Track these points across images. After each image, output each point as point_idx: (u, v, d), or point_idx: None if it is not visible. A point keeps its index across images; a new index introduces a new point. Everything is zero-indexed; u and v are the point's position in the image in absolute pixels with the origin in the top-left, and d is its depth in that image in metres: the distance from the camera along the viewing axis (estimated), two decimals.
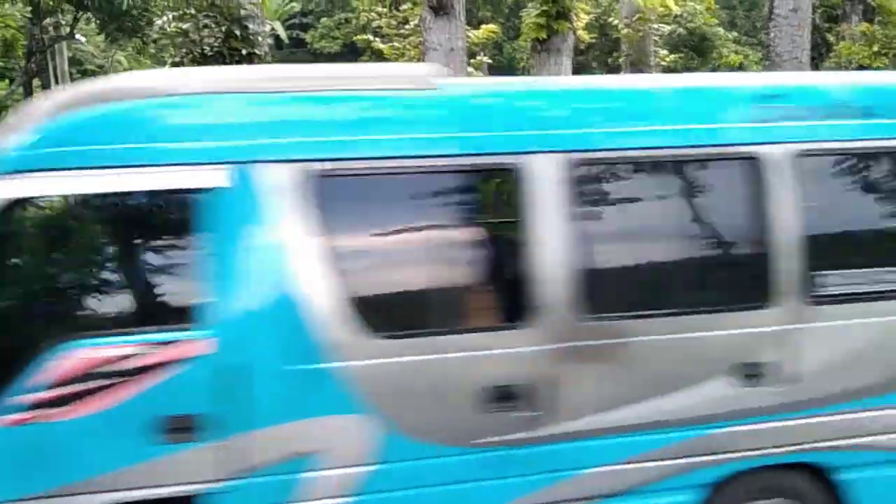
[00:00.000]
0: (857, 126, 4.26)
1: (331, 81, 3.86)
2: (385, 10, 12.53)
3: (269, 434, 3.55)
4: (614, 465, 3.88)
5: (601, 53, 25.67)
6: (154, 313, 3.63)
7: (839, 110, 4.26)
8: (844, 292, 4.17)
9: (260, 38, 8.20)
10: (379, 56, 11.66)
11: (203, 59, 7.70)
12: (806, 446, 4.11)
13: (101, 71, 22.34)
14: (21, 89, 19.41)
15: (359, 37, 15.47)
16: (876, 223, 4.42)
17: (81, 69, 23.06)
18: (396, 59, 12.22)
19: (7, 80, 21.36)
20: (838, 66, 13.40)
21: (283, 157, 3.61)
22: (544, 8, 9.97)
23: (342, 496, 3.63)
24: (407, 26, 11.57)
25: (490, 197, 4.09)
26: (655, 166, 4.08)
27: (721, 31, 29.43)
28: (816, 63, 15.08)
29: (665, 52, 11.00)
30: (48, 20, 19.12)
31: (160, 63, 9.43)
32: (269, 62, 8.61)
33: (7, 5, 17.64)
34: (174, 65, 8.51)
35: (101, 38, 24.29)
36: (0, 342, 3.49)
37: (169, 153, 3.53)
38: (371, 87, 3.84)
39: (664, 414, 3.93)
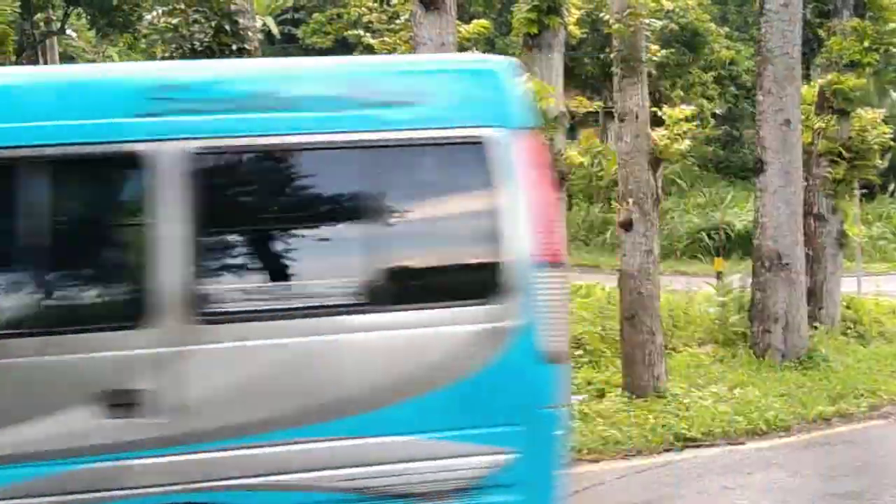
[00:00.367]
0: (268, 120, 3.83)
1: None
2: (375, 4, 12.49)
3: None
4: None
5: (593, 49, 25.71)
6: None
7: (252, 103, 3.84)
8: (243, 309, 3.79)
9: (250, 34, 8.16)
10: (370, 51, 11.62)
11: (193, 54, 7.67)
12: (194, 486, 3.67)
13: None
14: None
15: (350, 32, 15.43)
16: (287, 230, 3.95)
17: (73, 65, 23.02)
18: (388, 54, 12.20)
19: None
20: (829, 62, 13.42)
21: None
22: (535, 3, 9.95)
23: None
24: (397, 21, 11.54)
25: None
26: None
27: (713, 26, 29.53)
28: (808, 58, 15.10)
29: (656, 47, 10.97)
30: (39, 15, 19.08)
31: (151, 58, 9.39)
32: (259, 57, 8.59)
33: None
34: (164, 59, 8.49)
35: (93, 33, 24.27)
36: None
37: None
38: None
39: (12, 447, 3.57)
